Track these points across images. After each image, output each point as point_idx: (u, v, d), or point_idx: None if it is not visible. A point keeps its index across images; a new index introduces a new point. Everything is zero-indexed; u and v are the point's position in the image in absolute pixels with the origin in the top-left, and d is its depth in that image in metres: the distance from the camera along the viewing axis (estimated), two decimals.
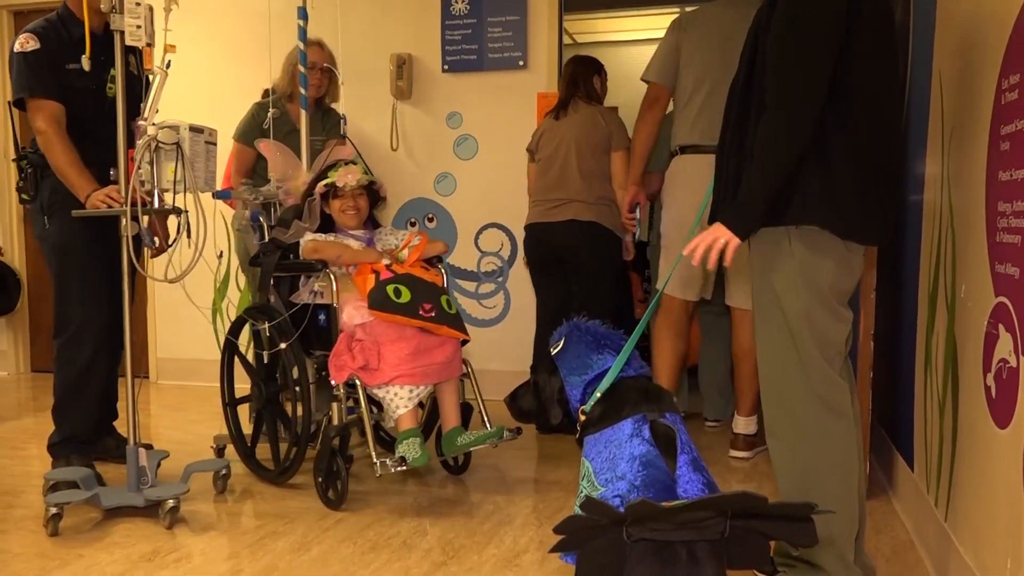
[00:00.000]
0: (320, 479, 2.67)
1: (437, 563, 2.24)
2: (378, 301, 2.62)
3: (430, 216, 4.44)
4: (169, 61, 2.51)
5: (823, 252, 1.84)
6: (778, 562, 1.97)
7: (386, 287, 2.63)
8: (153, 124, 2.43)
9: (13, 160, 2.95)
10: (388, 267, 2.72)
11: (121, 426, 3.06)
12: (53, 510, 2.45)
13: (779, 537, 1.50)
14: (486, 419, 2.81)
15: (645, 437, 1.65)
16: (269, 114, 3.37)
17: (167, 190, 2.48)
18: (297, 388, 2.77)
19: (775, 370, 1.94)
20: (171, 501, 2.51)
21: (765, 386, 1.97)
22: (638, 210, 3.43)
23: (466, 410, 2.83)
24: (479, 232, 4.37)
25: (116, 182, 2.68)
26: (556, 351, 1.86)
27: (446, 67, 4.27)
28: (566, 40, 5.07)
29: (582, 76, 3.61)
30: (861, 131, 1.79)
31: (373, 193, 2.99)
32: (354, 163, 2.95)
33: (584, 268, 3.52)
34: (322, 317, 2.81)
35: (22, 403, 4.47)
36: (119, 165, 2.56)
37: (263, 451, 3.01)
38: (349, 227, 2.92)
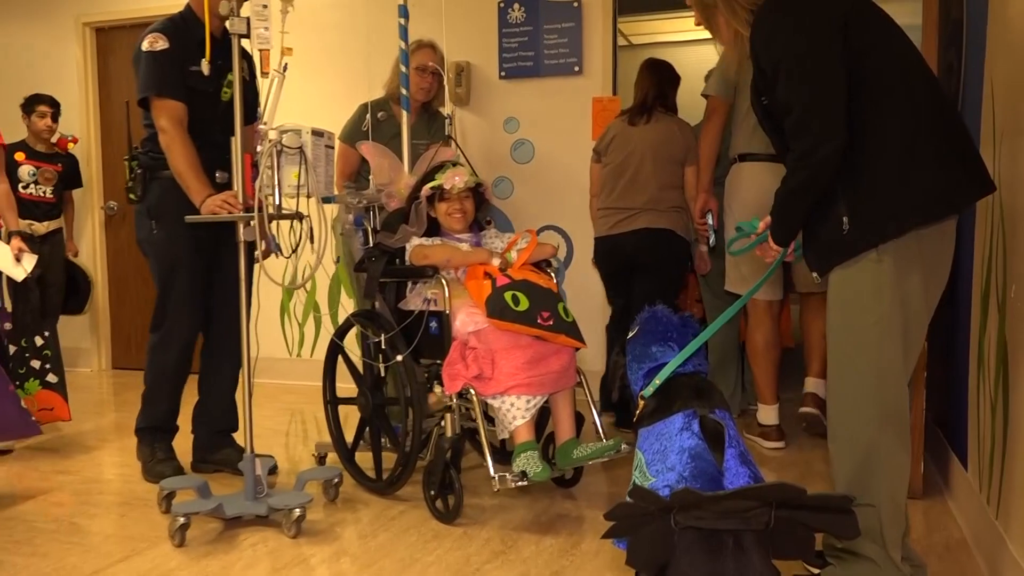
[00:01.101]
0: (432, 491, 2.59)
1: (496, 551, 2.35)
2: (497, 309, 2.48)
3: (488, 219, 4.54)
4: (286, 64, 2.48)
5: (911, 258, 1.82)
6: (828, 555, 2.02)
7: (503, 294, 2.50)
8: (274, 128, 2.40)
9: (125, 159, 3.01)
10: (503, 271, 2.61)
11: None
12: (181, 520, 2.41)
13: (822, 528, 1.55)
14: (600, 430, 2.70)
15: (695, 431, 1.73)
16: (367, 117, 3.37)
17: (290, 195, 2.45)
18: (408, 400, 2.67)
19: (851, 383, 1.92)
20: (298, 510, 2.45)
21: (838, 397, 1.96)
22: (710, 216, 3.49)
23: (578, 421, 2.69)
24: (536, 234, 4.46)
25: (226, 186, 2.71)
26: (630, 336, 1.97)
27: (503, 74, 4.38)
28: (620, 42, 5.12)
29: (665, 85, 3.70)
30: (895, 115, 1.79)
31: (479, 195, 2.90)
32: (460, 164, 2.89)
33: (652, 270, 3.58)
34: (433, 324, 2.68)
35: (104, 400, 4.73)
36: (234, 170, 2.55)
37: (361, 459, 2.97)
38: (455, 230, 2.84)
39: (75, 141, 4.85)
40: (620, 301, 3.74)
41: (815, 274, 1.94)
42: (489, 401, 2.52)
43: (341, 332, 3.00)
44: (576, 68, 4.27)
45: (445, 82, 3.55)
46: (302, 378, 4.73)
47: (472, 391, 2.51)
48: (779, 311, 3.56)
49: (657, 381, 1.88)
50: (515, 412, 2.48)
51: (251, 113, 2.99)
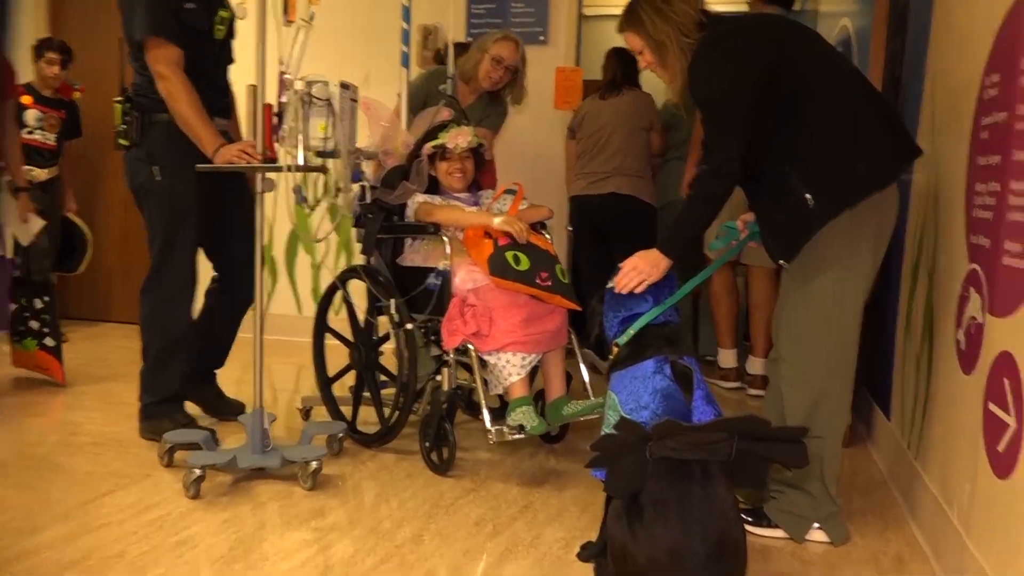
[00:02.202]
0: (427, 443, 2.67)
1: (467, 489, 2.53)
2: (499, 268, 2.55)
3: None
4: (313, 13, 2.41)
5: (869, 225, 2.08)
6: (772, 489, 2.27)
7: (505, 253, 2.57)
8: (300, 79, 2.35)
9: (117, 101, 2.78)
10: (507, 234, 2.64)
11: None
12: (197, 472, 2.39)
13: (776, 458, 1.78)
14: (589, 389, 2.81)
15: (667, 374, 1.94)
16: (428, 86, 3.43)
17: (317, 148, 2.41)
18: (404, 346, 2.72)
19: (810, 342, 2.16)
20: (315, 463, 2.47)
21: (798, 353, 2.19)
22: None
23: (567, 379, 2.79)
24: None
25: (225, 134, 2.67)
26: (609, 285, 2.16)
27: (470, 38, 4.48)
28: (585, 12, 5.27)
29: (630, 67, 4.02)
30: (834, 102, 2.09)
31: (479, 156, 2.96)
32: (463, 125, 2.93)
33: (624, 238, 3.89)
34: (432, 281, 2.73)
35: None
36: (254, 119, 2.42)
37: (365, 416, 2.99)
38: (455, 190, 2.89)
39: (82, 90, 4.64)
40: (589, 265, 4.00)
41: (783, 262, 2.15)
42: (485, 358, 2.59)
43: (325, 302, 3.08)
44: (541, 37, 4.40)
45: (524, 80, 3.49)
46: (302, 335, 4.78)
47: (471, 347, 2.59)
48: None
49: (631, 331, 2.07)
50: (511, 369, 2.56)
51: (231, 55, 2.97)
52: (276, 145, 2.42)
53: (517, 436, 2.53)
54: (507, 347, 2.55)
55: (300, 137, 2.32)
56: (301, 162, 2.39)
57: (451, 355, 2.67)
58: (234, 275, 3.02)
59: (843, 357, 2.16)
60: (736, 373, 3.86)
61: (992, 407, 1.74)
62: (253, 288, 2.57)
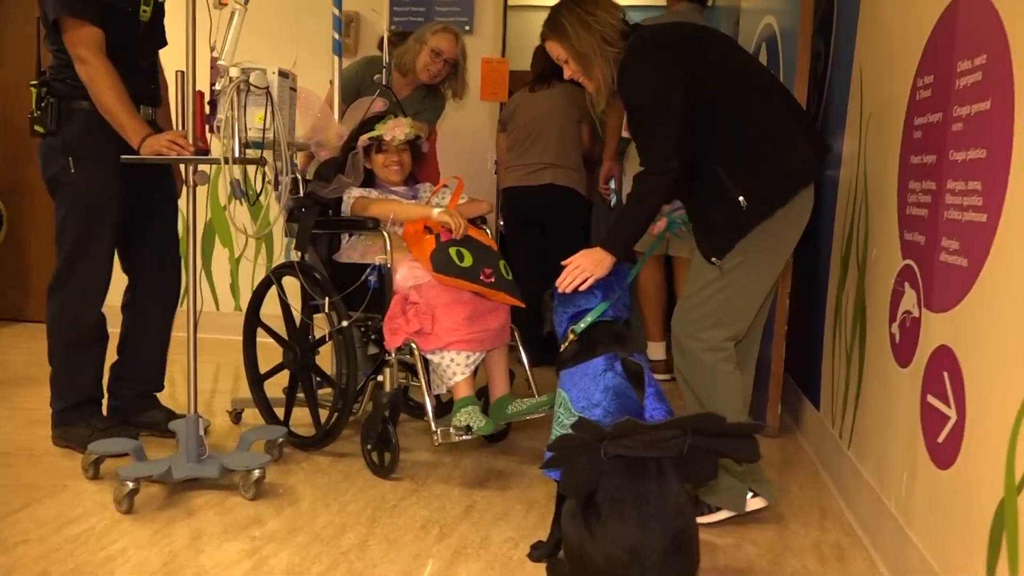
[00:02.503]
0: (369, 445, 2.59)
1: (409, 490, 2.48)
2: (442, 264, 2.48)
3: None
4: None
5: (787, 226, 2.20)
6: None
7: (448, 249, 2.50)
8: (235, 65, 2.22)
9: (32, 85, 2.58)
10: (446, 228, 2.56)
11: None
12: (130, 485, 2.23)
13: (728, 453, 1.80)
14: (533, 386, 2.77)
15: (618, 371, 1.93)
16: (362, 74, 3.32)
17: (256, 139, 2.28)
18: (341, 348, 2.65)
19: (709, 327, 2.23)
20: (257, 471, 2.34)
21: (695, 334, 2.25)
22: (612, 182, 4.00)
23: (510, 377, 2.76)
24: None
25: (151, 122, 2.52)
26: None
27: (393, 27, 4.38)
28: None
29: None
30: (757, 110, 2.19)
31: (416, 149, 2.89)
32: (399, 116, 2.85)
33: (560, 228, 3.95)
34: (372, 278, 2.63)
35: None
36: (183, 107, 2.29)
37: (297, 417, 2.91)
38: (392, 183, 2.82)
39: None
40: (524, 257, 3.96)
41: (714, 260, 2.20)
42: (428, 356, 2.53)
43: (258, 298, 2.94)
44: (467, 28, 4.35)
45: (465, 74, 3.41)
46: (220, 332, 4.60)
47: (414, 346, 2.53)
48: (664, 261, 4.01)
49: (579, 326, 2.06)
50: (455, 368, 2.51)
51: (161, 37, 2.80)
52: (208, 136, 2.30)
53: (464, 437, 2.48)
54: (451, 345, 2.50)
55: (236, 128, 2.21)
56: (237, 154, 2.26)
57: (393, 354, 2.60)
58: (155, 277, 2.85)
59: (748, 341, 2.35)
60: (665, 365, 3.92)
61: (931, 399, 1.80)
62: (178, 288, 2.44)
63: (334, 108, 3.07)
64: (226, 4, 2.25)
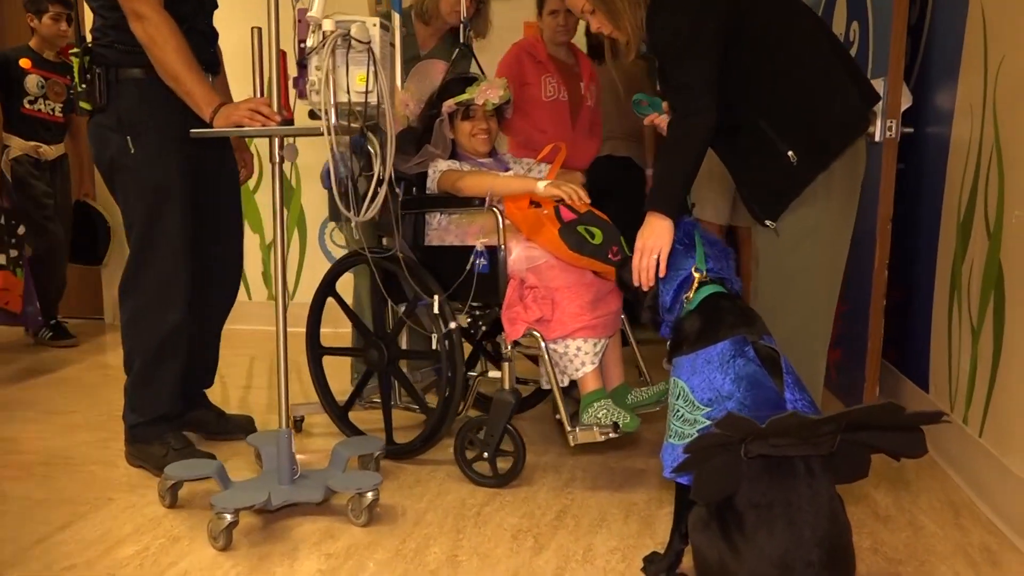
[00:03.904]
0: (487, 453, 2.30)
1: (489, 494, 2.24)
2: (576, 242, 2.20)
3: None
4: None
5: (846, 181, 1.99)
6: None
7: (577, 227, 2.22)
8: (327, 17, 1.88)
9: (73, 54, 2.26)
10: (564, 204, 2.26)
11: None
12: (229, 518, 1.91)
13: (887, 448, 1.55)
14: (646, 375, 2.50)
15: (751, 357, 1.67)
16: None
17: (357, 103, 1.92)
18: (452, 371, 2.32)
19: (802, 315, 2.03)
20: (371, 494, 2.02)
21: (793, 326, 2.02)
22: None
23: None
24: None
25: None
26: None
27: None
28: None
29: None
30: (801, 55, 1.97)
31: (501, 115, 2.61)
32: (478, 77, 2.56)
33: (621, 199, 3.63)
34: (482, 262, 2.33)
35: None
36: (260, 70, 2.00)
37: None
38: (480, 153, 2.52)
39: None
40: None
41: (768, 222, 1.98)
42: (552, 346, 2.24)
43: (335, 273, 2.59)
44: None
45: (488, 10, 3.01)
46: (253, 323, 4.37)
47: (538, 335, 2.23)
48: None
49: (692, 303, 1.80)
50: (583, 357, 2.22)
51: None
52: (292, 103, 2.00)
53: (612, 435, 2.16)
54: (577, 332, 2.21)
55: (334, 91, 1.88)
56: (336, 122, 1.91)
57: (509, 347, 2.30)
58: (216, 272, 2.54)
59: (829, 319, 2.05)
60: None
61: None
62: (238, 284, 2.20)
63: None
64: None
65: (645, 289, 1.87)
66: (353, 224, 2.16)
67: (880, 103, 2.23)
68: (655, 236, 1.84)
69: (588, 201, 2.26)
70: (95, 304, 4.79)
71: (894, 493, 2.24)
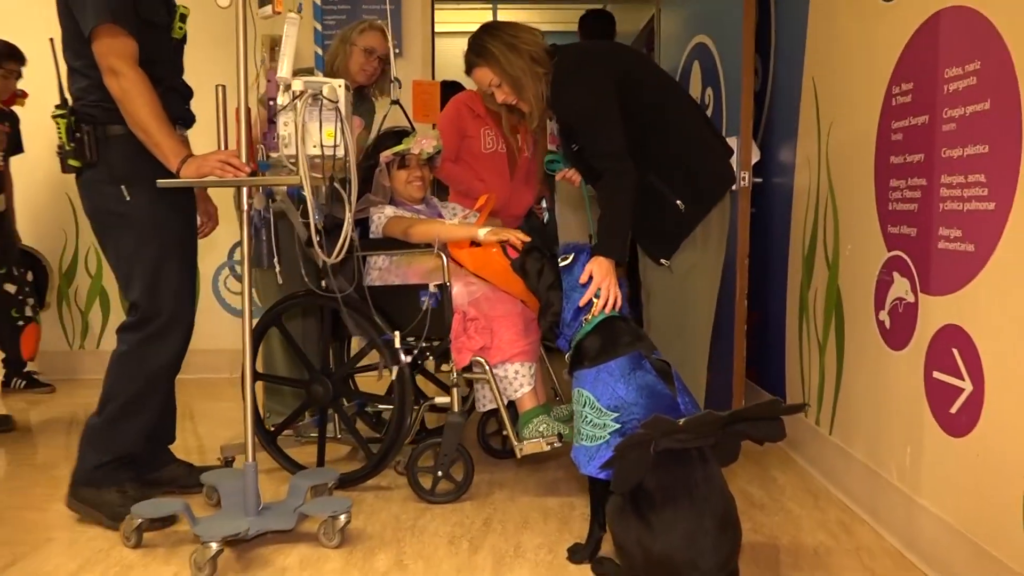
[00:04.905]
0: (439, 472, 2.50)
1: (420, 509, 2.46)
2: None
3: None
4: (300, 3, 2.21)
5: (721, 221, 2.44)
6: None
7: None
8: (299, 77, 2.09)
9: (58, 116, 2.33)
10: (503, 245, 2.49)
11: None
12: (215, 547, 1.98)
13: (755, 436, 1.91)
14: (561, 393, 2.78)
15: (647, 369, 2.00)
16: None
17: (322, 156, 2.11)
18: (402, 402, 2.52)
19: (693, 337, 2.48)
20: (343, 516, 2.17)
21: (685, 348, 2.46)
22: (543, 201, 4.14)
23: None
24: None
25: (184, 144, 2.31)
26: (565, 264, 2.17)
27: (320, 52, 4.33)
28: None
29: None
30: (681, 123, 2.41)
31: (432, 164, 2.83)
32: (412, 130, 2.79)
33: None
34: (427, 299, 2.53)
35: None
36: (223, 125, 2.14)
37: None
38: (415, 200, 2.74)
39: (25, 96, 3.90)
40: None
41: (663, 261, 2.40)
42: (494, 371, 2.50)
43: (282, 309, 2.71)
44: (397, 51, 4.35)
45: (391, 70, 3.21)
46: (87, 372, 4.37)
47: (483, 361, 2.49)
48: None
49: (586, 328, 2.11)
50: (521, 380, 2.50)
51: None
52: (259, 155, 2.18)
53: (556, 445, 2.41)
54: (514, 357, 2.49)
55: (301, 145, 2.07)
56: (304, 172, 2.08)
57: (455, 375, 2.53)
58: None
59: (708, 340, 2.49)
60: None
61: (937, 375, 1.98)
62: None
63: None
64: (279, 12, 2.11)
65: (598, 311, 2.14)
66: (322, 265, 2.40)
67: (733, 156, 2.71)
68: (605, 272, 2.13)
69: (525, 242, 2.49)
70: None
71: (765, 487, 2.63)
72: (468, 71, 2.43)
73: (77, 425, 3.47)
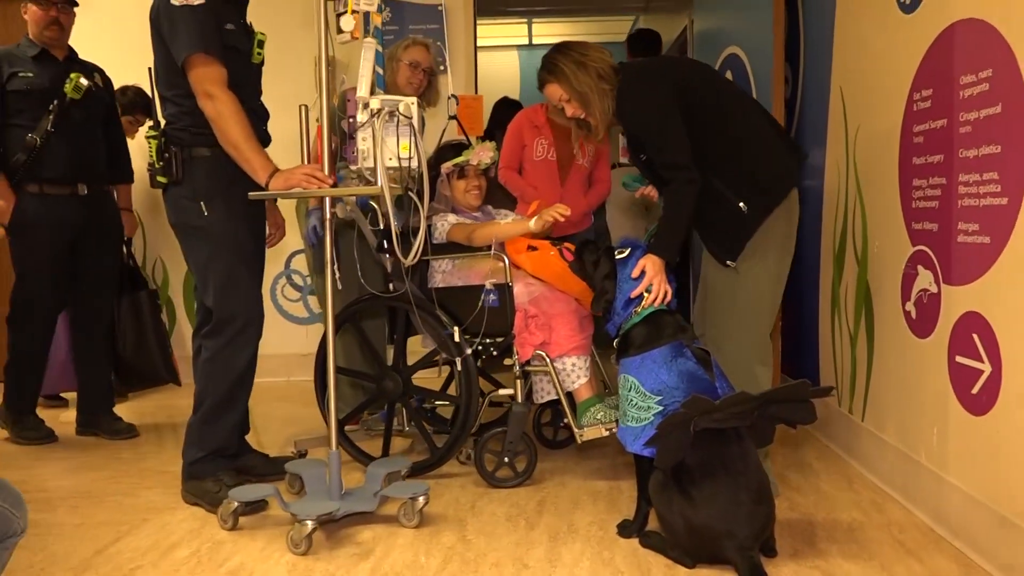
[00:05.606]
0: (507, 458, 2.70)
1: (478, 493, 2.66)
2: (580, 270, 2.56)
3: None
4: (376, 27, 2.37)
5: (786, 223, 2.49)
6: None
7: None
8: (376, 96, 2.31)
9: (151, 137, 2.58)
10: (560, 249, 2.70)
11: None
12: (310, 524, 2.19)
13: (787, 418, 2.08)
14: (610, 386, 2.91)
15: (688, 356, 2.19)
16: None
17: (399, 168, 2.33)
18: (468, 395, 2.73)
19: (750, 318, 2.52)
20: (422, 498, 2.37)
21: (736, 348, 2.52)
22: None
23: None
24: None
25: None
26: (621, 256, 2.36)
27: (380, 71, 4.58)
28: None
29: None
30: (742, 124, 2.49)
31: (488, 172, 3.03)
32: (481, 142, 3.02)
33: None
34: (493, 297, 2.74)
35: None
36: (323, 138, 2.39)
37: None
38: (472, 207, 2.96)
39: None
40: None
41: (728, 261, 2.48)
42: (554, 364, 2.70)
43: (355, 309, 2.91)
44: (442, 68, 4.58)
45: (438, 83, 3.49)
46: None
47: (544, 355, 2.70)
48: None
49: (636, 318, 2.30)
50: (578, 372, 2.70)
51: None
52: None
53: (614, 430, 2.55)
54: (572, 351, 2.70)
55: (381, 158, 2.29)
56: (382, 183, 2.31)
57: (518, 367, 2.74)
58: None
59: (769, 342, 2.54)
60: None
61: (960, 359, 2.13)
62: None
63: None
64: (357, 37, 2.32)
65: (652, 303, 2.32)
66: (391, 267, 2.69)
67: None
68: (658, 269, 2.31)
69: (568, 213, 2.71)
70: None
71: (802, 471, 2.79)
72: (540, 87, 2.60)
73: (156, 424, 3.76)
